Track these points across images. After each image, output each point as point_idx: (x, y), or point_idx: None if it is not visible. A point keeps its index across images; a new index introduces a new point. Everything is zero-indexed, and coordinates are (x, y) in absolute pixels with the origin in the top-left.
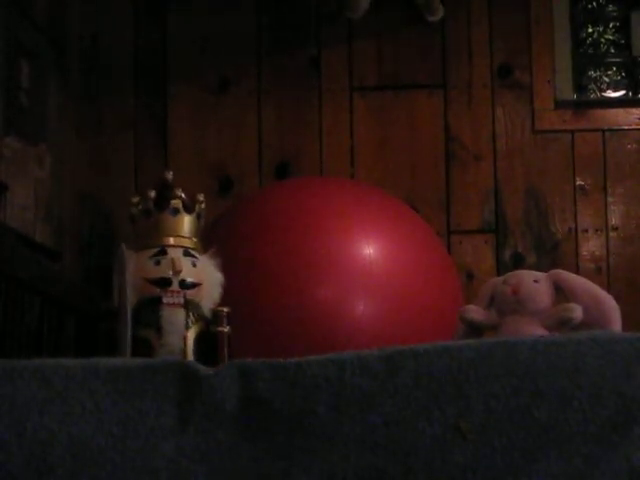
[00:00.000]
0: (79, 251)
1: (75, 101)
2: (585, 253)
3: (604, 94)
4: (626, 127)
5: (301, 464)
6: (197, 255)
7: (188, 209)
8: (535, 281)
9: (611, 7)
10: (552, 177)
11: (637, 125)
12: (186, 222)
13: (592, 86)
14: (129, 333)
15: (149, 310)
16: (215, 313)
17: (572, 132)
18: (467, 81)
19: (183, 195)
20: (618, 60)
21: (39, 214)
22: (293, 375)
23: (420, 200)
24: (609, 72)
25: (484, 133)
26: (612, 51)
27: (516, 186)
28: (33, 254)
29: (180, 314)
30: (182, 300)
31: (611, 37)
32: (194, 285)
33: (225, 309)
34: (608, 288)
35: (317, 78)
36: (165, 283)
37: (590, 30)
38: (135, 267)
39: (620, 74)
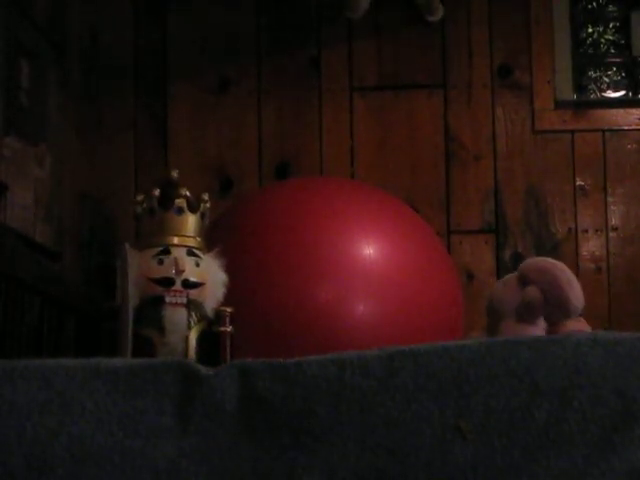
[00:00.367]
0: (79, 251)
1: (75, 101)
2: (585, 253)
3: (604, 94)
4: (626, 127)
5: (301, 464)
6: (201, 255)
7: (193, 208)
8: (504, 284)
9: (611, 7)
10: (552, 177)
11: (637, 125)
12: (190, 221)
13: (592, 86)
14: (130, 332)
15: (152, 309)
16: (218, 313)
17: (572, 132)
18: (467, 81)
19: (188, 194)
20: (618, 60)
21: (39, 214)
22: (293, 375)
23: (420, 200)
24: (609, 72)
25: (484, 133)
26: (612, 51)
27: (516, 186)
28: (33, 254)
29: (183, 314)
30: (185, 300)
31: (611, 37)
32: (197, 285)
33: (228, 309)
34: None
35: (317, 78)
36: (168, 282)
37: (590, 30)
38: (138, 266)
39: (620, 74)
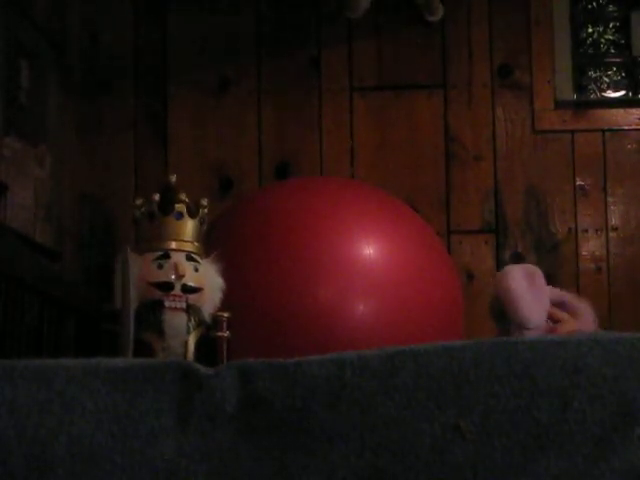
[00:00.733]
0: (79, 251)
1: (75, 101)
2: (585, 253)
3: (604, 94)
4: (626, 127)
5: (301, 464)
6: (199, 260)
7: (192, 214)
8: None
9: (611, 7)
10: (552, 177)
11: (637, 125)
12: (189, 226)
13: (592, 86)
14: (131, 336)
15: (150, 313)
16: (215, 318)
17: (572, 132)
18: (467, 81)
19: (187, 199)
20: (618, 60)
21: (39, 214)
22: (293, 375)
23: (420, 200)
24: (609, 72)
25: (484, 133)
26: (612, 51)
27: (516, 186)
28: (33, 254)
29: (182, 318)
30: (184, 305)
31: (611, 37)
32: (196, 290)
33: (225, 314)
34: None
35: (317, 78)
36: (167, 287)
37: (590, 30)
38: (138, 270)
39: (620, 74)
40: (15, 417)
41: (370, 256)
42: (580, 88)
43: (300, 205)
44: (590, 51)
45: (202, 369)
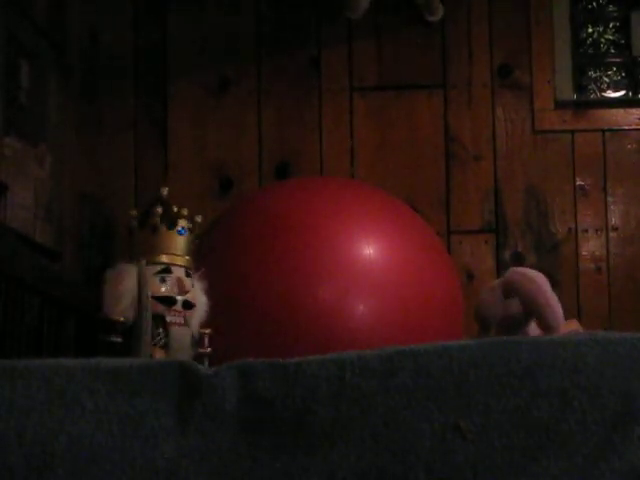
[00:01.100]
0: (79, 251)
1: (75, 101)
2: (585, 253)
3: (604, 94)
4: (626, 127)
5: (301, 464)
6: (192, 276)
7: (192, 229)
8: (490, 292)
9: (611, 7)
10: (552, 177)
11: (637, 125)
12: (187, 242)
13: (592, 86)
14: (148, 351)
15: (154, 327)
16: (199, 335)
17: (572, 132)
18: (467, 81)
19: (188, 215)
20: (618, 60)
21: (39, 214)
22: (293, 375)
23: (420, 200)
24: (609, 72)
25: (484, 133)
26: (612, 51)
27: (516, 186)
28: (33, 254)
29: (187, 333)
30: (182, 320)
31: (611, 37)
32: (192, 306)
33: (207, 330)
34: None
35: (317, 78)
36: (170, 302)
37: (590, 30)
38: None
39: (620, 74)
40: (15, 417)
41: (370, 256)
42: (580, 88)
43: (300, 205)
44: (590, 51)
45: (202, 369)
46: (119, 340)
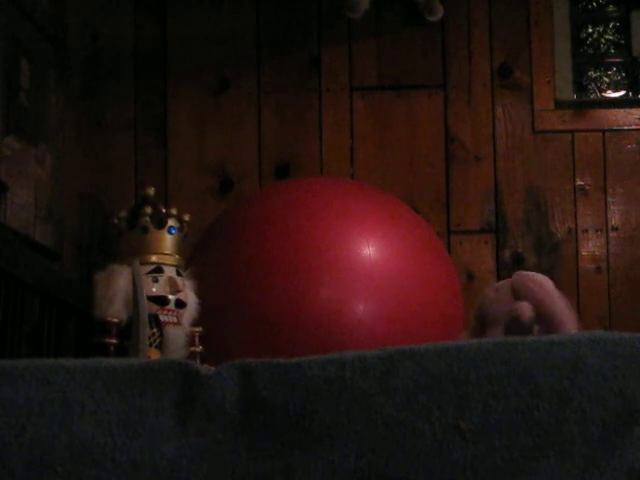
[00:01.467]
0: (79, 251)
1: (75, 101)
2: (585, 253)
3: (604, 94)
4: (626, 127)
5: (301, 464)
6: (184, 275)
7: (182, 228)
8: (497, 291)
9: (611, 7)
10: (552, 177)
11: (637, 125)
12: (177, 241)
13: (592, 86)
14: (144, 351)
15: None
16: (190, 333)
17: (572, 132)
18: (467, 81)
19: (177, 214)
20: (618, 60)
21: (39, 214)
22: (293, 375)
23: (420, 200)
24: (609, 72)
25: (484, 133)
26: (612, 51)
27: (516, 186)
28: (33, 254)
29: (181, 333)
30: (175, 319)
31: (611, 37)
32: (184, 305)
33: (198, 329)
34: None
35: (317, 78)
36: (163, 301)
37: (590, 30)
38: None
39: (620, 74)
40: (15, 417)
41: (370, 256)
42: (580, 88)
43: (300, 205)
44: (590, 51)
45: (202, 369)
46: (114, 342)
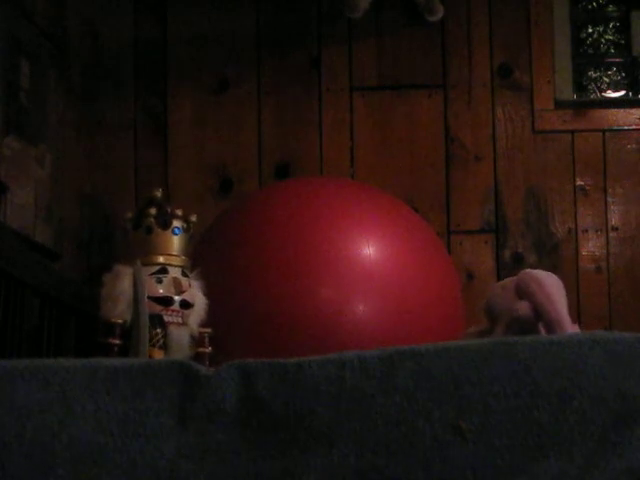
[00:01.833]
0: (79, 251)
1: (75, 101)
2: (585, 253)
3: (604, 94)
4: (626, 127)
5: (301, 464)
6: (190, 275)
7: (188, 229)
8: (503, 288)
9: (611, 7)
10: (552, 177)
11: (637, 125)
12: (183, 242)
13: (592, 86)
14: (146, 352)
15: (151, 327)
16: (199, 334)
17: (572, 132)
18: (467, 81)
19: (183, 215)
20: (618, 60)
21: (39, 214)
22: (293, 375)
23: (420, 200)
24: (609, 72)
25: (484, 133)
26: (612, 51)
27: (516, 186)
28: (33, 254)
29: (185, 333)
30: (180, 319)
31: (611, 37)
32: (190, 305)
33: (207, 330)
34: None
35: (317, 78)
36: (168, 302)
37: (590, 30)
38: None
39: (620, 74)
40: (15, 417)
41: (370, 256)
42: (580, 88)
43: (300, 205)
44: (590, 51)
45: (202, 369)
46: (117, 342)
